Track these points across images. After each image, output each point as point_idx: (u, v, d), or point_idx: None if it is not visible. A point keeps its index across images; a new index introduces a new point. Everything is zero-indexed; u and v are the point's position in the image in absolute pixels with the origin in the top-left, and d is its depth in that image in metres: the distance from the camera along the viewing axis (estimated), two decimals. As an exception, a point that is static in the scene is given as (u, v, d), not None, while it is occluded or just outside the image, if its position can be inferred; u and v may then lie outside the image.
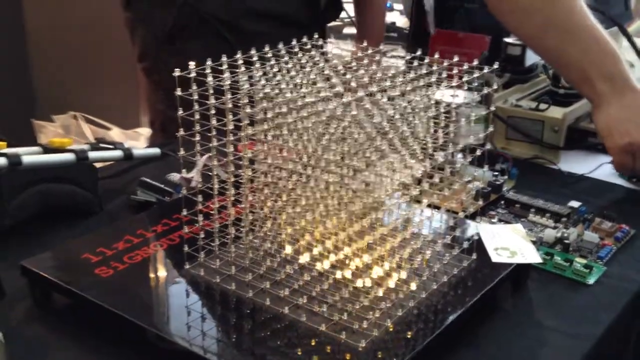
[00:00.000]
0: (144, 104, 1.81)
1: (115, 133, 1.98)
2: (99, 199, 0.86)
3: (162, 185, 0.86)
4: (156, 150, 0.96)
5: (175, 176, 0.89)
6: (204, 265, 0.67)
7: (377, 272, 0.63)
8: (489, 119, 0.70)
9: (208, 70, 0.62)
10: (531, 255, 0.71)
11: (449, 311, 0.63)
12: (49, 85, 2.10)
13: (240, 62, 0.65)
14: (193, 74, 0.61)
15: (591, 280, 0.74)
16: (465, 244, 0.69)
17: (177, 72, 0.60)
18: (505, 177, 0.93)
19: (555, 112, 1.02)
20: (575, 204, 0.87)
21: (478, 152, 0.67)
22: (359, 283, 0.61)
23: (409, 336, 0.59)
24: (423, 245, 0.67)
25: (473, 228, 0.73)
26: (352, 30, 1.89)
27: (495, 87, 0.71)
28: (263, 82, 0.63)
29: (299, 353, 0.57)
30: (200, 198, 0.65)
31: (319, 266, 0.63)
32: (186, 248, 0.67)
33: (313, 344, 0.58)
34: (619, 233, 0.82)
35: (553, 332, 0.66)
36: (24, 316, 0.67)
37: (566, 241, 0.79)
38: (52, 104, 2.09)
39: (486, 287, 0.66)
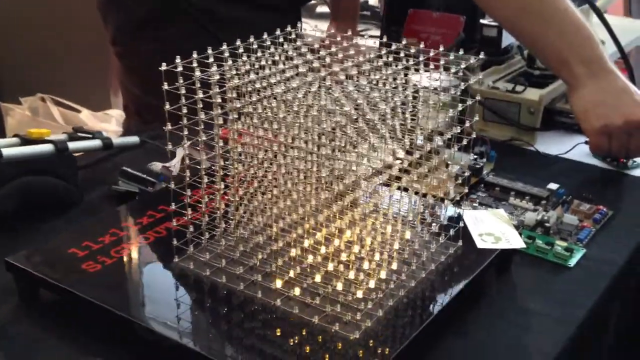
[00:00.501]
0: (115, 86, 1.79)
1: (85, 115, 1.95)
2: (79, 190, 0.85)
3: (144, 175, 0.86)
4: (135, 139, 0.95)
5: (157, 165, 0.88)
6: (193, 258, 0.67)
7: (366, 263, 0.63)
8: (474, 108, 0.70)
9: (195, 64, 0.61)
10: (515, 241, 0.72)
11: (439, 299, 0.64)
12: (15, 67, 2.06)
13: (226, 54, 0.64)
14: (180, 68, 0.60)
15: (572, 263, 0.76)
16: (452, 231, 0.70)
17: (164, 67, 0.60)
18: (484, 160, 0.94)
19: (532, 94, 1.03)
20: (553, 186, 0.89)
21: (464, 141, 0.68)
22: (351, 275, 0.62)
23: (400, 326, 0.60)
24: (412, 234, 0.67)
25: (458, 214, 0.74)
26: (325, 9, 1.88)
27: (480, 76, 0.71)
28: (252, 76, 0.63)
29: (291, 344, 0.58)
30: (188, 192, 0.65)
31: (310, 259, 0.64)
32: (175, 242, 0.66)
33: (305, 335, 0.58)
34: (597, 215, 0.84)
35: (538, 317, 0.68)
36: (11, 313, 0.66)
37: (547, 224, 0.81)
38: (19, 86, 2.05)
39: (473, 274, 0.67)
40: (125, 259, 0.68)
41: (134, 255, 0.69)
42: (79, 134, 0.90)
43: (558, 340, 0.65)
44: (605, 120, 0.91)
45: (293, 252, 0.64)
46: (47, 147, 0.83)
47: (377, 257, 0.63)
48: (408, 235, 0.67)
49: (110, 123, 1.96)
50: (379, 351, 0.57)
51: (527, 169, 0.95)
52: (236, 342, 0.59)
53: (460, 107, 0.66)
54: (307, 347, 0.58)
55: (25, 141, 0.84)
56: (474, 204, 0.83)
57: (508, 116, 1.04)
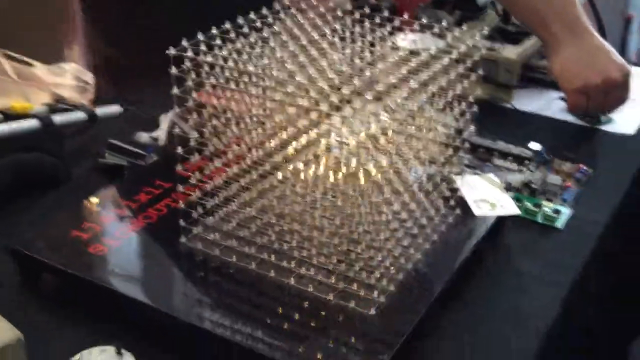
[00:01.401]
0: (71, 38, 1.73)
1: (40, 70, 1.88)
2: (67, 165, 0.84)
3: (133, 148, 0.85)
4: (117, 108, 0.93)
5: (143, 136, 0.87)
6: (201, 238, 0.67)
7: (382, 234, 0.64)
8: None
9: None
10: (510, 207, 0.75)
11: (445, 270, 0.66)
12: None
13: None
14: (190, 53, 0.59)
15: (560, 224, 0.79)
16: (452, 200, 0.72)
17: (172, 51, 0.59)
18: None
19: (510, 51, 1.04)
20: (535, 145, 0.91)
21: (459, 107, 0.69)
22: (360, 250, 0.63)
23: (413, 299, 0.62)
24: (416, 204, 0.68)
25: (454, 181, 0.75)
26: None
27: (483, 51, 0.72)
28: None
29: (313, 325, 0.59)
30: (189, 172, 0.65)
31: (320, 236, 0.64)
32: (182, 222, 0.67)
33: (323, 313, 0.60)
34: (578, 174, 0.87)
35: (532, 280, 0.71)
36: (15, 300, 0.66)
37: (533, 186, 0.83)
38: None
39: (475, 242, 0.69)
40: (130, 240, 0.68)
41: (139, 236, 0.69)
42: (60, 106, 0.88)
43: (554, 303, 0.68)
44: (584, 80, 0.93)
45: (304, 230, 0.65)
46: (33, 123, 0.81)
47: (386, 232, 0.64)
48: (414, 205, 0.68)
49: (64, 77, 1.90)
50: (395, 326, 0.59)
51: (506, 127, 0.97)
52: (252, 322, 0.60)
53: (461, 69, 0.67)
54: (326, 325, 0.59)
55: (8, 117, 0.82)
56: (464, 168, 0.85)
57: (485, 74, 1.05)
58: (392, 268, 0.62)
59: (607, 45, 0.96)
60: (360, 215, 0.62)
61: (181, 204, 0.66)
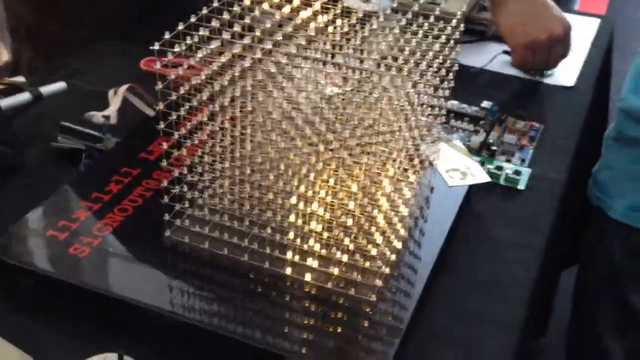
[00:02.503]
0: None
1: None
2: (18, 151, 0.79)
3: (88, 130, 0.81)
4: (62, 85, 0.88)
5: (96, 116, 0.83)
6: (187, 231, 0.65)
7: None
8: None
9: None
10: (480, 175, 0.77)
11: (432, 246, 0.67)
12: None
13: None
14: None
15: (522, 186, 0.82)
16: (429, 173, 0.73)
17: (156, 46, 0.55)
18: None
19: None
20: (487, 104, 0.93)
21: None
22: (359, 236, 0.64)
23: (408, 278, 0.63)
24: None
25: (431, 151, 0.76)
26: None
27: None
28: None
29: (315, 310, 0.60)
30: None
31: (312, 225, 0.64)
32: (167, 217, 0.65)
33: (324, 301, 0.60)
34: (531, 132, 0.90)
35: (506, 246, 0.73)
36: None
37: (493, 147, 0.86)
38: None
39: (455, 213, 0.71)
40: (110, 237, 0.66)
41: (119, 231, 0.66)
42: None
43: (531, 268, 0.71)
44: (532, 36, 0.95)
45: (292, 217, 0.65)
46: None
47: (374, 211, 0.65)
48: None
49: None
50: (396, 309, 0.61)
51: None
52: (250, 315, 0.60)
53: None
54: (328, 313, 0.60)
55: (-51, 104, 0.76)
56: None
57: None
58: (387, 250, 0.63)
59: (550, 1, 0.98)
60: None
61: (166, 200, 0.64)
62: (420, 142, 0.70)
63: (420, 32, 0.68)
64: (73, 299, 0.61)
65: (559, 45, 0.98)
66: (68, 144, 0.80)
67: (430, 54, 0.65)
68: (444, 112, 0.73)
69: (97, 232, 0.66)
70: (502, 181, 0.82)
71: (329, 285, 0.61)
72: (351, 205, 0.62)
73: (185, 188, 0.65)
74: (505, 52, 1.05)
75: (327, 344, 0.57)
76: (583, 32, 1.15)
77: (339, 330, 0.58)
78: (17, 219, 0.67)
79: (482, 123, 0.90)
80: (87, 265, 0.62)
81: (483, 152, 0.86)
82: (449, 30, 0.69)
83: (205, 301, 0.61)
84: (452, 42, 0.70)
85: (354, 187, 0.62)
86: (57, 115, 0.84)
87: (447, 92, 0.71)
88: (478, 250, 0.73)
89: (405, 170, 0.68)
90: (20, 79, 0.90)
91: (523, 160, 0.85)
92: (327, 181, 0.63)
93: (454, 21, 0.71)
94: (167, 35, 0.57)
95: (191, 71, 0.58)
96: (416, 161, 0.68)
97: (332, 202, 0.63)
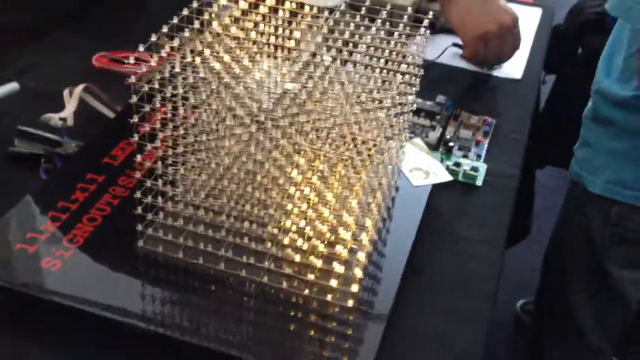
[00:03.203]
0: None
1: None
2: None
3: (47, 134, 0.79)
4: (15, 86, 0.85)
5: (53, 119, 0.81)
6: (160, 240, 0.65)
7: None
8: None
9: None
10: (442, 174, 0.79)
11: (402, 245, 0.69)
12: None
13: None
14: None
15: (479, 182, 0.84)
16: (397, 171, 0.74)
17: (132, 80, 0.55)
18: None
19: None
20: (441, 98, 0.96)
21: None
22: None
23: (381, 280, 0.65)
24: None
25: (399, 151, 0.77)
26: None
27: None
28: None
29: (293, 316, 0.61)
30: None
31: (289, 225, 0.65)
32: (139, 227, 0.64)
33: (300, 309, 0.61)
34: (485, 127, 0.93)
35: (469, 242, 0.76)
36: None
37: (450, 144, 0.88)
38: None
39: (421, 213, 0.73)
40: (82, 249, 0.65)
41: (91, 243, 0.65)
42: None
43: (495, 263, 0.74)
44: (482, 28, 0.98)
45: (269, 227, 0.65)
46: None
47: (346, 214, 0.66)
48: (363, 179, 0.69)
49: None
50: (374, 313, 0.62)
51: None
52: (227, 324, 0.60)
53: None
54: (307, 319, 0.61)
55: None
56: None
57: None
58: (361, 254, 0.64)
59: (497, -7, 1.00)
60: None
61: (139, 210, 0.64)
62: (386, 140, 0.71)
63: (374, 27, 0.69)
64: (47, 312, 0.61)
65: (510, 36, 1.00)
66: (26, 149, 0.78)
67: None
68: (411, 108, 0.74)
69: (67, 244, 0.65)
70: (460, 177, 0.84)
71: (306, 292, 0.62)
72: (325, 211, 0.63)
73: (159, 197, 0.65)
74: (455, 45, 1.08)
75: (306, 351, 0.59)
76: (526, 22, 1.18)
77: (317, 336, 0.60)
78: (-22, 229, 0.65)
79: (438, 118, 0.92)
80: (61, 280, 0.62)
81: (441, 148, 0.88)
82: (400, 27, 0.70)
83: (181, 311, 0.61)
84: (404, 37, 0.71)
85: (329, 195, 0.63)
86: (11, 118, 0.82)
87: (413, 89, 0.72)
88: (444, 249, 0.75)
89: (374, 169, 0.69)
90: (13, 85, 0.87)
91: (479, 156, 0.88)
92: (300, 185, 0.64)
93: (405, 17, 0.72)
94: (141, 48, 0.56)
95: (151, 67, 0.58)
96: (384, 158, 0.70)
97: (305, 210, 0.64)
